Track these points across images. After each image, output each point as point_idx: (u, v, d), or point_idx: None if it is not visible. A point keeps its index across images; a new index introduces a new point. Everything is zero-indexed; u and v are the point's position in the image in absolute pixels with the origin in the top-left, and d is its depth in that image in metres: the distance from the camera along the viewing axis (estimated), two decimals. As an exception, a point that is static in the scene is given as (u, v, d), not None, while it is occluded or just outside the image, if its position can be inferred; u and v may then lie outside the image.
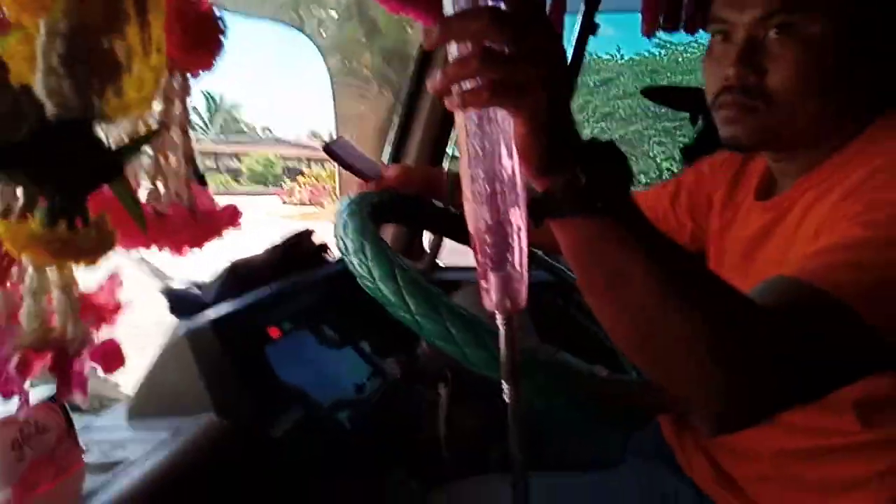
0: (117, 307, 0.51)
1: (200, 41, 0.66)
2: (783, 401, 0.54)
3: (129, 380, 0.92)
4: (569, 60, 1.62)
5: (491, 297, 0.51)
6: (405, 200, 1.28)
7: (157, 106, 0.67)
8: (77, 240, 0.43)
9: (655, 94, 1.63)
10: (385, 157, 1.55)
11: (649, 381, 0.87)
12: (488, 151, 0.48)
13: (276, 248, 1.19)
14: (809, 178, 0.71)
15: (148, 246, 0.58)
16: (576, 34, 1.50)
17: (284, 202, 18.21)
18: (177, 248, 0.61)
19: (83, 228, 0.44)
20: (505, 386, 0.53)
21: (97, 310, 0.50)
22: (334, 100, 1.60)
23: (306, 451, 0.83)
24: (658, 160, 15.80)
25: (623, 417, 0.74)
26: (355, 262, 0.79)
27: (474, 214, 0.50)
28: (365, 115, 1.81)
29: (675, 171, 13.14)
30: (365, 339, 1.25)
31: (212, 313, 0.89)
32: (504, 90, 0.41)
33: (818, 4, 0.63)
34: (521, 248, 0.50)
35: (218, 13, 0.68)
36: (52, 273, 0.47)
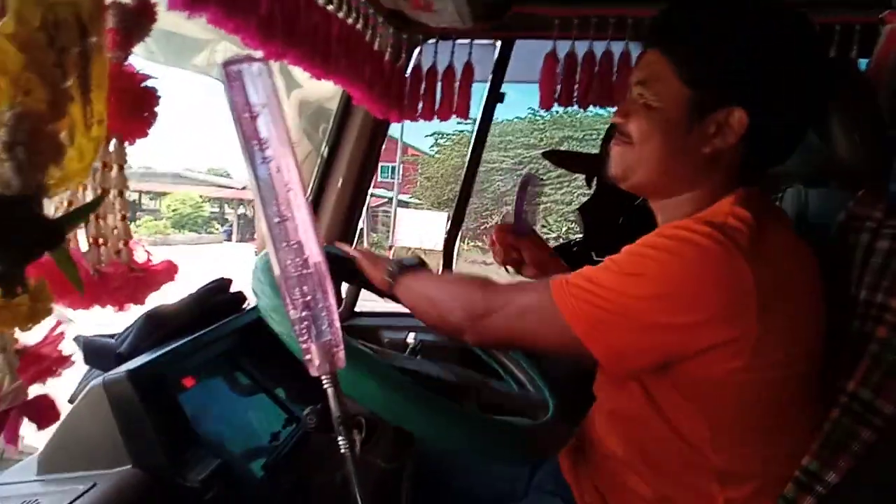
0: (62, 359, 0.54)
1: (137, 111, 0.70)
2: (499, 338, 0.91)
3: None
4: (478, 123, 1.76)
5: (315, 363, 0.64)
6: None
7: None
8: (13, 307, 0.46)
9: (555, 156, 1.79)
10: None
11: (541, 424, 0.97)
12: (292, 244, 0.61)
13: (192, 296, 1.21)
14: None
15: (90, 305, 0.61)
16: (483, 101, 1.64)
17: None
18: (118, 305, 0.64)
19: (21, 296, 0.47)
20: (340, 438, 0.66)
21: (42, 361, 0.52)
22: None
23: (222, 500, 0.85)
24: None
25: (511, 456, 0.83)
26: (275, 318, 0.84)
27: (288, 299, 0.63)
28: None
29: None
30: (280, 386, 1.28)
31: (128, 364, 0.90)
32: None
33: (663, 85, 0.83)
34: (332, 320, 0.64)
35: (149, 76, 0.73)
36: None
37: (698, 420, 0.80)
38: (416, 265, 1.05)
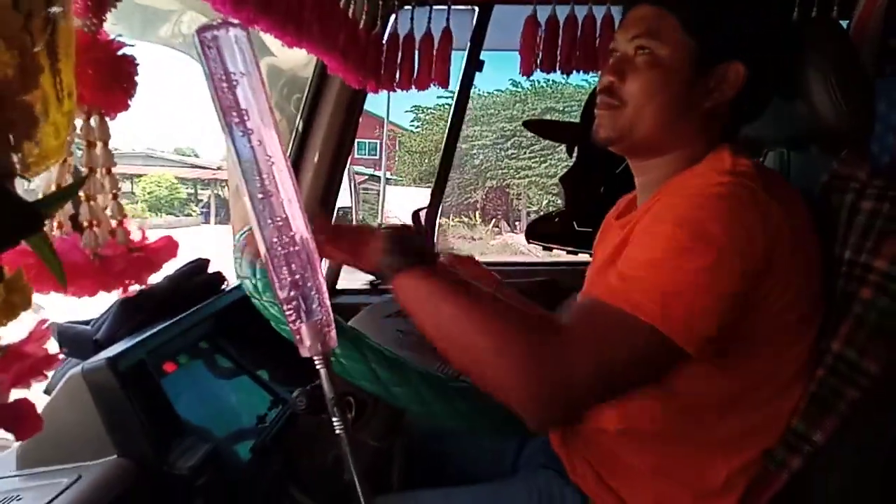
0: (49, 358, 0.50)
1: (114, 82, 0.66)
2: (584, 399, 0.75)
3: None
4: (457, 93, 1.72)
5: (305, 344, 0.61)
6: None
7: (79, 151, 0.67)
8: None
9: (535, 126, 1.77)
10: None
11: None
12: (277, 220, 0.59)
13: (169, 279, 1.17)
14: (651, 197, 0.85)
15: (95, 291, 0.57)
16: (462, 70, 1.60)
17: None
18: (123, 287, 0.61)
19: (-5, 289, 0.43)
20: (334, 419, 0.64)
21: (26, 360, 0.48)
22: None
23: (213, 486, 0.83)
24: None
25: (506, 426, 0.82)
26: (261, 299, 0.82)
27: (276, 278, 0.60)
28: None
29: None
30: (263, 368, 1.26)
31: (107, 351, 0.87)
32: None
33: (666, 37, 0.81)
34: (322, 298, 0.62)
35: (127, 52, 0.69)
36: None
37: (713, 383, 0.80)
38: (426, 259, 0.81)
